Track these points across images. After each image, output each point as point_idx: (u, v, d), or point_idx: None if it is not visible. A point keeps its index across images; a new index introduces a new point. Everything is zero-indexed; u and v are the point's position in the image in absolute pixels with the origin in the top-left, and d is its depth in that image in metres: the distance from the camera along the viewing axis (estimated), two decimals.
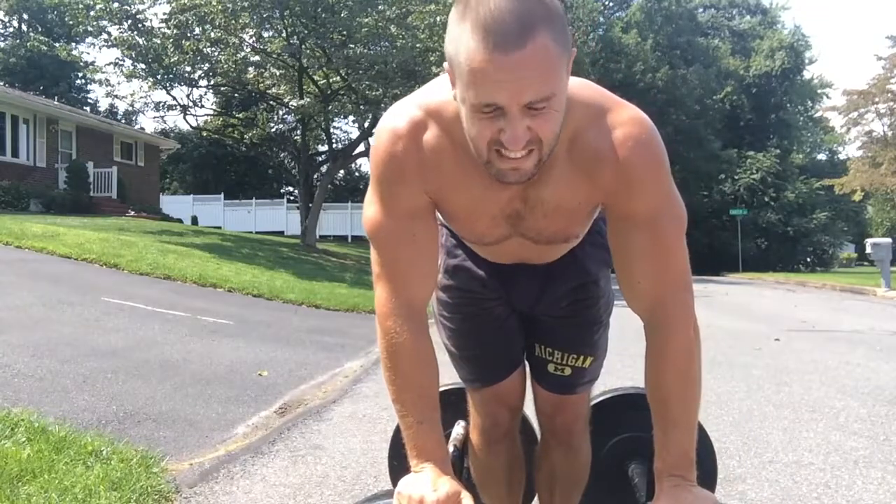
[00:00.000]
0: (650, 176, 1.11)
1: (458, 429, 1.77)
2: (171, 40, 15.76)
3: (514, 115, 0.95)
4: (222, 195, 28.79)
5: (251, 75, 18.98)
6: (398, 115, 1.15)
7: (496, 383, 1.57)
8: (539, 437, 1.73)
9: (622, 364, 4.76)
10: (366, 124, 19.31)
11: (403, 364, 1.16)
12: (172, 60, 16.14)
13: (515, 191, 1.15)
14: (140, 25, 16.05)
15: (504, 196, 1.17)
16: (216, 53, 16.89)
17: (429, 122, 1.13)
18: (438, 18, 14.65)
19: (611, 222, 1.19)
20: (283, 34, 16.85)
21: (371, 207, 1.19)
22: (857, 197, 26.10)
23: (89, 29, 16.33)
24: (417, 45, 15.01)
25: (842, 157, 38.95)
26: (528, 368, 1.63)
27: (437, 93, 1.15)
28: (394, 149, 1.13)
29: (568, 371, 1.54)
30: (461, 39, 0.94)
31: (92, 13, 15.81)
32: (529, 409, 1.72)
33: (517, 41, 0.90)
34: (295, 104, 16.72)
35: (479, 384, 1.58)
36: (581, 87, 1.14)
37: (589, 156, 1.11)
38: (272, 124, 23.47)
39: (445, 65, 1.02)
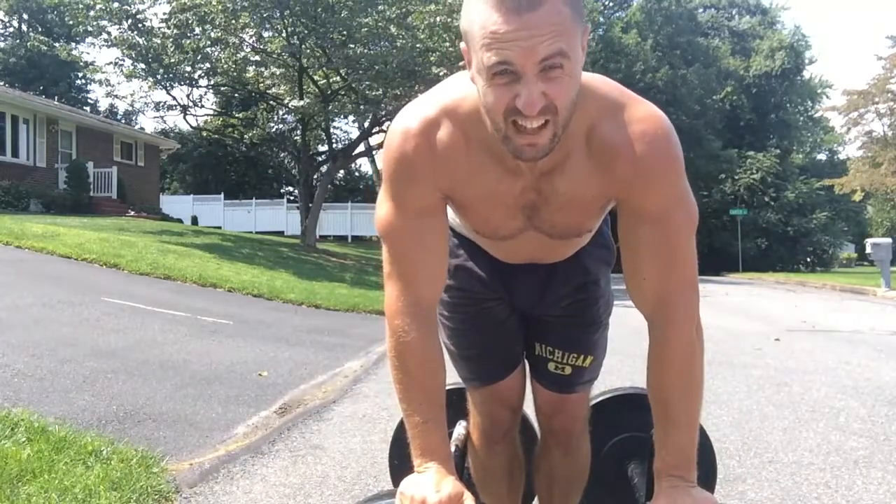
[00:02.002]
0: (665, 172, 1.11)
1: (460, 429, 1.77)
2: (171, 40, 15.76)
3: (529, 78, 0.96)
4: (222, 195, 28.77)
5: (251, 75, 18.97)
6: (410, 115, 1.16)
7: (495, 382, 1.57)
8: (539, 437, 1.73)
9: (622, 364, 4.76)
10: (366, 124, 19.31)
11: (411, 363, 1.16)
12: (172, 60, 16.14)
13: (530, 181, 1.16)
14: (140, 25, 16.04)
15: (518, 186, 1.17)
16: (216, 53, 16.89)
17: (442, 119, 1.14)
18: (438, 18, 14.64)
19: (622, 217, 1.19)
20: (283, 34, 16.83)
21: (383, 206, 1.20)
22: (857, 197, 26.10)
23: (89, 29, 16.31)
24: (417, 45, 14.99)
25: (842, 157, 38.96)
26: (527, 368, 1.63)
27: (451, 91, 1.16)
28: (405, 148, 1.14)
29: (568, 370, 1.54)
30: (476, 11, 0.97)
31: (92, 13, 15.80)
32: (529, 409, 1.72)
33: (530, 3, 0.93)
34: (295, 104, 16.71)
35: (478, 383, 1.58)
36: (599, 81, 1.15)
37: (605, 149, 1.12)
38: (272, 124, 23.47)
39: (462, 45, 1.04)
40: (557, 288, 1.48)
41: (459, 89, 1.14)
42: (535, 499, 1.80)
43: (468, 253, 1.49)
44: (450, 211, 1.28)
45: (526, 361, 1.62)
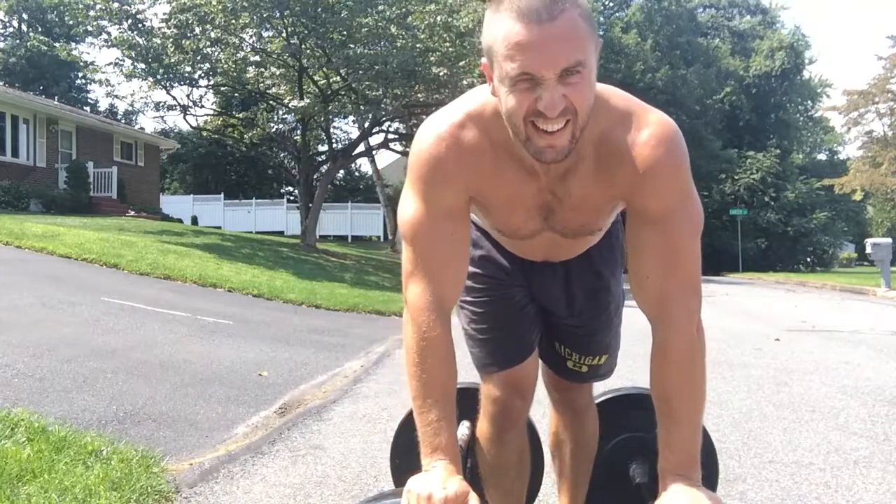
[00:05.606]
0: (668, 174, 1.16)
1: (463, 429, 1.78)
2: (171, 40, 15.74)
3: (550, 83, 1.02)
4: (222, 195, 28.78)
5: (251, 75, 18.95)
6: (438, 120, 1.24)
7: (511, 367, 1.61)
8: (544, 435, 1.78)
9: (623, 364, 4.75)
10: (366, 124, 19.29)
11: (433, 359, 1.19)
12: (172, 60, 16.12)
13: (546, 184, 1.23)
14: (140, 25, 16.03)
15: (535, 188, 1.24)
16: (216, 53, 16.88)
17: (468, 124, 1.22)
18: (438, 18, 14.64)
19: (629, 220, 1.25)
20: (283, 34, 16.81)
21: (410, 207, 1.24)
22: (858, 197, 26.12)
23: (89, 29, 16.29)
24: (417, 45, 14.97)
25: (842, 157, 38.98)
26: (540, 357, 1.71)
27: (473, 99, 1.25)
28: (436, 150, 1.20)
29: (585, 369, 1.68)
30: (497, 26, 1.05)
31: (92, 13, 15.77)
32: (533, 414, 1.73)
33: (549, 14, 1.01)
34: (295, 104, 16.69)
35: (494, 368, 1.62)
36: (610, 93, 1.22)
37: (613, 154, 1.18)
38: (272, 124, 23.43)
39: (483, 60, 1.11)
40: (576, 293, 1.59)
41: (481, 97, 1.22)
42: (536, 501, 1.80)
43: (492, 244, 1.58)
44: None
45: (536, 349, 1.68)
